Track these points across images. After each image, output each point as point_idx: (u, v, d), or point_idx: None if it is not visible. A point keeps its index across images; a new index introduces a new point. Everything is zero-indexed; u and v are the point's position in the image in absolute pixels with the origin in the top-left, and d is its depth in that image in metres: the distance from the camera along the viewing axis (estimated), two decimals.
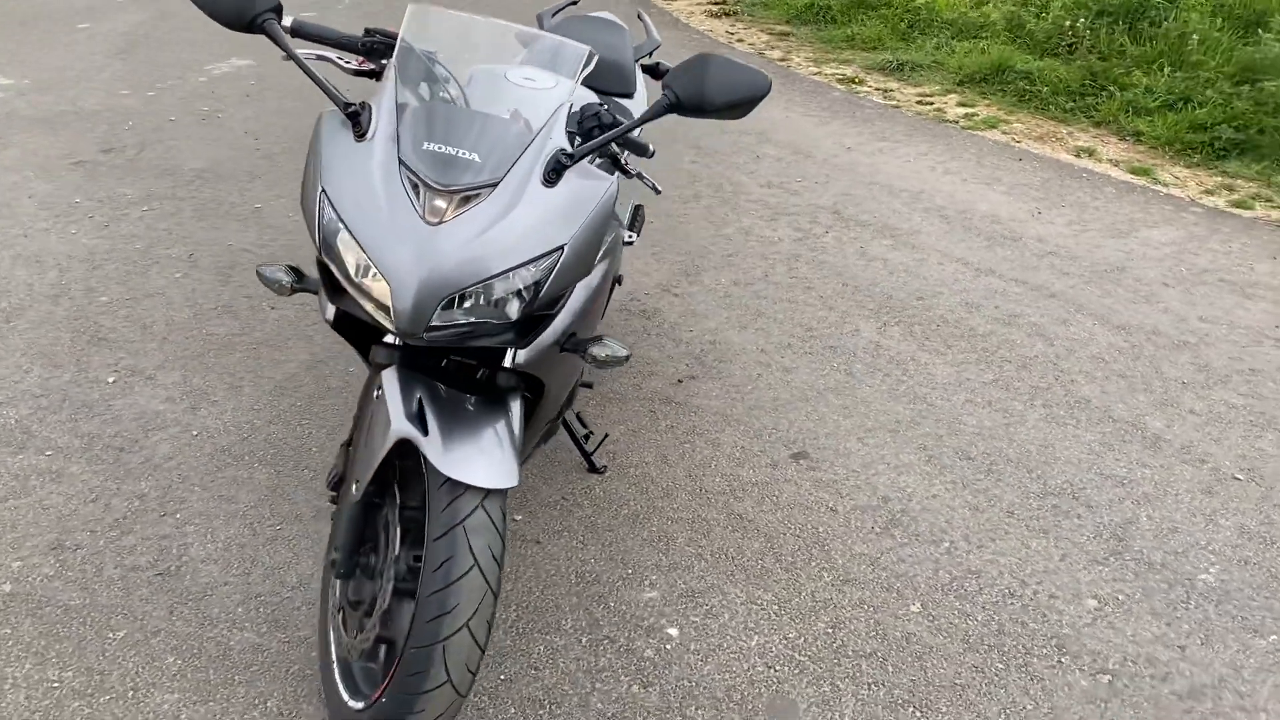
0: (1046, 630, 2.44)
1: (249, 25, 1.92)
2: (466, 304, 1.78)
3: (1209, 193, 5.33)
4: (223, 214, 4.45)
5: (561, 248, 1.83)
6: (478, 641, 1.77)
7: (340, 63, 2.17)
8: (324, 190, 1.82)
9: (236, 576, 2.48)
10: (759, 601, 2.49)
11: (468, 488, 1.77)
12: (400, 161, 1.80)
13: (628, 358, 2.01)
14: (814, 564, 2.62)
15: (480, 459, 1.80)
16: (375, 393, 1.89)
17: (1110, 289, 4.17)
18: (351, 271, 1.81)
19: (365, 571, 2.00)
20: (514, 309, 1.83)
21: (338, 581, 2.04)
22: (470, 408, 1.91)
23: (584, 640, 2.35)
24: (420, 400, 1.85)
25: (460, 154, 1.81)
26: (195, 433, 3.00)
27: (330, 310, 1.91)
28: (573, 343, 2.01)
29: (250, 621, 2.35)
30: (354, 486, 1.90)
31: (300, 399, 3.18)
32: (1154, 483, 3.00)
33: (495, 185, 1.81)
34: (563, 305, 1.95)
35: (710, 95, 1.86)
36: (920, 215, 4.83)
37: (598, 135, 2.13)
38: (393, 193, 1.77)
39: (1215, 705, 2.26)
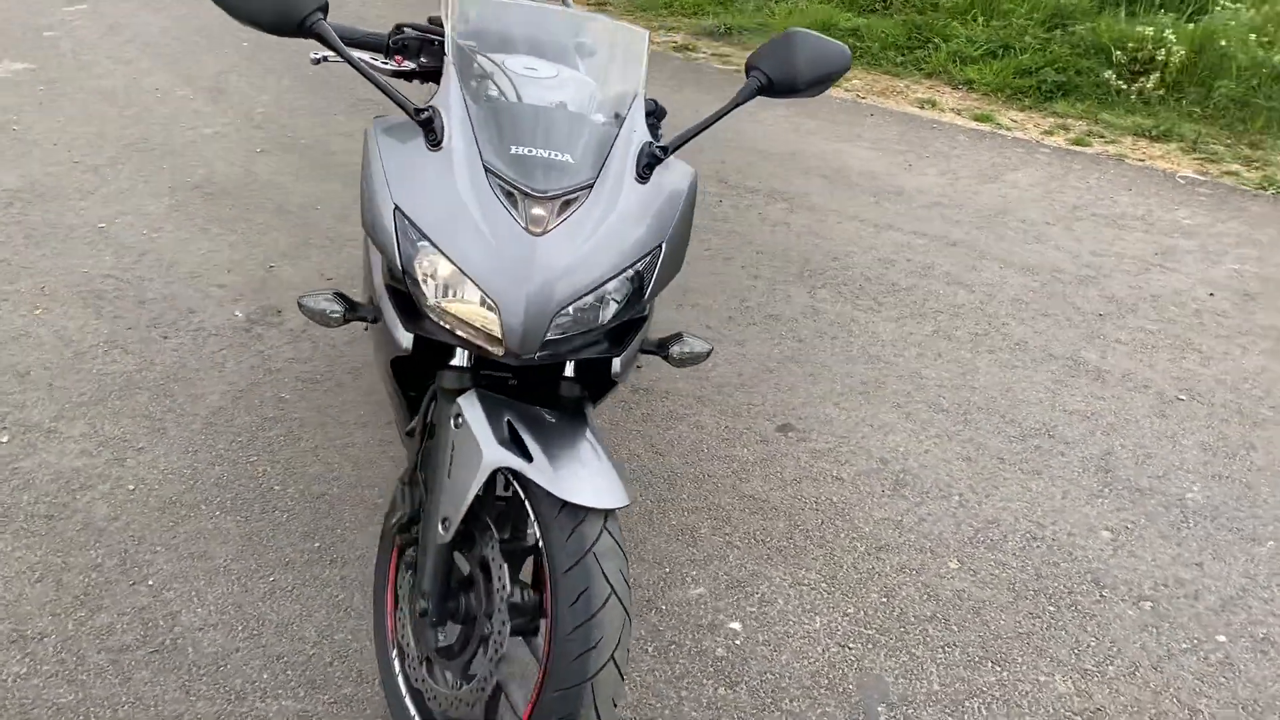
0: (1078, 568, 2.55)
1: (298, 27, 1.69)
2: (569, 315, 1.65)
3: (1048, 133, 5.70)
4: (63, 238, 3.98)
5: (660, 245, 1.73)
6: (621, 673, 1.66)
7: (379, 64, 1.95)
8: (399, 207, 1.65)
9: (246, 641, 2.22)
10: (806, 582, 2.47)
11: (588, 511, 1.65)
12: (486, 169, 1.65)
13: (709, 353, 1.93)
14: (843, 535, 2.62)
15: (589, 477, 1.67)
16: (454, 421, 1.73)
17: (1002, 232, 4.39)
18: (433, 294, 1.65)
19: (458, 616, 1.83)
20: (609, 315, 1.72)
21: (423, 630, 1.86)
22: (552, 421, 1.78)
23: (650, 649, 2.26)
24: (508, 423, 1.70)
25: (552, 155, 1.68)
26: (131, 487, 2.67)
27: (407, 339, 1.73)
28: (652, 343, 1.92)
29: (283, 688, 2.12)
30: (441, 526, 1.73)
31: (238, 434, 2.89)
32: (1113, 413, 3.18)
33: (590, 186, 1.68)
34: (651, 306, 1.85)
35: (801, 73, 1.81)
36: (801, 177, 4.92)
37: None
38: (486, 203, 1.63)
39: (1249, 615, 2.43)
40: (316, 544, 2.51)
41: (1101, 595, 2.47)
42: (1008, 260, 4.14)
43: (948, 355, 3.46)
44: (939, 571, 2.52)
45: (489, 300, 1.60)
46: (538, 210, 1.63)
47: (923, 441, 3.00)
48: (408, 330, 1.73)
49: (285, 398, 3.08)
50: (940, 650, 2.29)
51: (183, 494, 2.66)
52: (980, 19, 6.81)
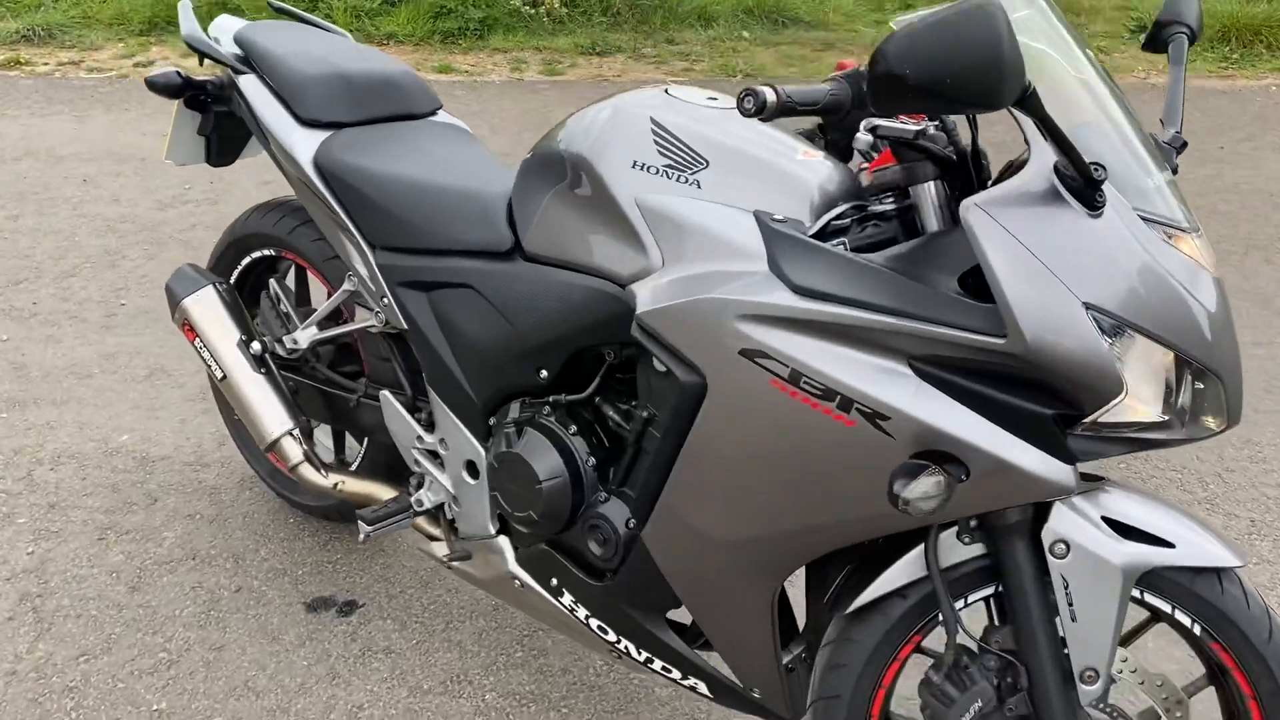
0: None
1: (1020, 102, 1.23)
2: None
3: (516, 70, 5.90)
4: None
5: None
6: None
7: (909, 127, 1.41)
8: (1090, 304, 1.31)
9: None
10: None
11: (1232, 570, 1.48)
12: (1142, 218, 1.37)
13: None
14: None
15: (1202, 533, 1.48)
16: (1052, 552, 1.42)
17: None
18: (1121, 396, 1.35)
19: None
20: None
21: None
22: (1097, 491, 1.52)
23: None
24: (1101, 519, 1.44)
25: (1164, 180, 1.45)
26: None
27: (1070, 476, 1.36)
28: None
29: None
30: (1083, 681, 1.44)
31: None
32: None
33: None
34: None
35: (1200, 16, 1.73)
36: None
37: None
38: (1173, 261, 1.36)
39: None
40: None
41: None
42: None
43: None
44: None
45: (1208, 372, 1.36)
46: (1197, 242, 1.41)
47: None
48: (1068, 464, 1.36)
49: (160, 709, 2.09)
50: None
51: None
52: None
